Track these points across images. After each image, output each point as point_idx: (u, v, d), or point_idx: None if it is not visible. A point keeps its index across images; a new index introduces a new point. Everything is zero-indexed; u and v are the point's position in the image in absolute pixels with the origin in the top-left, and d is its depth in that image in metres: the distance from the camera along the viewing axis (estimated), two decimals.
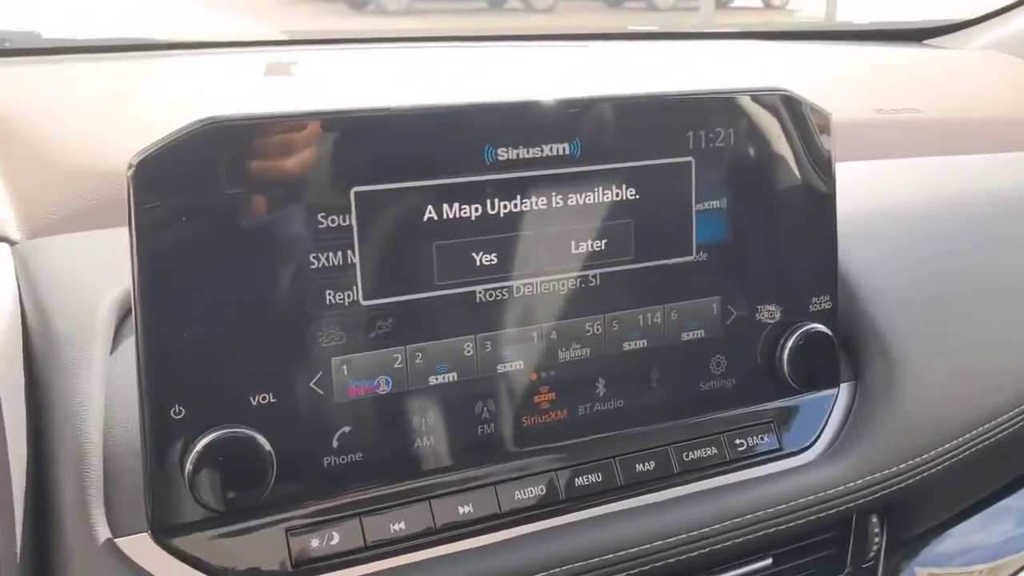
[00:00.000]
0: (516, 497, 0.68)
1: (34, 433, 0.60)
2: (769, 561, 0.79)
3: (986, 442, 0.84)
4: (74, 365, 0.62)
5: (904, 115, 1.20)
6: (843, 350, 0.81)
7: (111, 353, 0.65)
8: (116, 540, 0.58)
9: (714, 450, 0.74)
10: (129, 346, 0.64)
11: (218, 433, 0.58)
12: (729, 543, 0.72)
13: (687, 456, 0.73)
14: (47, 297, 0.66)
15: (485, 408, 0.67)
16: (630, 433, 0.72)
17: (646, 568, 0.69)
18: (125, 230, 0.56)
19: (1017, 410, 0.86)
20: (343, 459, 0.63)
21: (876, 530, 0.83)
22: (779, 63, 1.36)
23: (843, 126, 0.80)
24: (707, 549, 0.71)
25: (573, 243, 0.68)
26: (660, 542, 0.69)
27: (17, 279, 0.68)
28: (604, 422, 0.71)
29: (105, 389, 0.62)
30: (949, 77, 1.36)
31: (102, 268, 0.68)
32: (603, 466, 0.71)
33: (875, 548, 0.84)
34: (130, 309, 0.66)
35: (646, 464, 0.72)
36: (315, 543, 0.62)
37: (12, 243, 0.73)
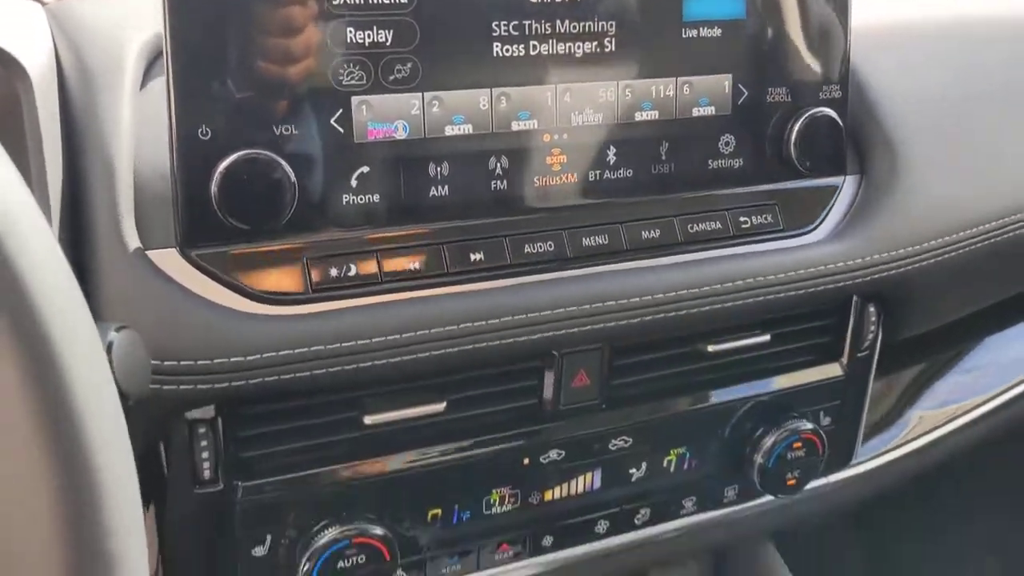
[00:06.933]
0: (525, 250, 0.71)
1: (69, 155, 0.63)
2: (767, 338, 0.82)
3: (984, 242, 0.86)
4: (104, 94, 0.64)
5: None
6: (851, 145, 0.83)
7: (140, 89, 0.67)
8: (146, 252, 0.61)
9: (718, 224, 0.77)
10: (158, 85, 0.66)
11: (244, 152, 0.60)
12: (729, 304, 0.75)
13: (691, 228, 0.76)
14: (80, 41, 0.68)
15: (499, 164, 0.69)
16: (637, 201, 0.74)
17: (648, 319, 0.73)
18: None
19: (1019, 215, 0.88)
20: (361, 199, 0.66)
21: (873, 319, 0.86)
22: None
23: None
24: (706, 308, 0.74)
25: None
26: (661, 295, 0.72)
27: (51, 30, 0.70)
28: (613, 188, 0.73)
29: (135, 121, 0.65)
30: None
31: (132, 19, 0.70)
32: (610, 230, 0.73)
33: (871, 337, 0.87)
34: (159, 52, 0.68)
35: (651, 232, 0.75)
36: (333, 271, 0.65)
37: (43, 3, 0.75)
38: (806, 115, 0.77)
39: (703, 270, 0.75)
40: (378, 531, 0.70)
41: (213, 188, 0.60)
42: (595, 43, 0.70)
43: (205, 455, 0.66)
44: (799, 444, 0.83)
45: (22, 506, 0.33)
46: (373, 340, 0.64)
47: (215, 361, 0.60)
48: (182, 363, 0.60)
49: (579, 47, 0.70)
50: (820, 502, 0.95)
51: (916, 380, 1.04)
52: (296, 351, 0.62)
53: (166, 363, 0.59)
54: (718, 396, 0.83)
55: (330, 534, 0.69)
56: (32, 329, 0.34)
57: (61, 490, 0.33)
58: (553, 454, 0.78)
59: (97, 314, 0.59)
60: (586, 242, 0.73)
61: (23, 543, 0.33)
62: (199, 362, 0.60)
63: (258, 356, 0.61)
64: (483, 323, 0.67)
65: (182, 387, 0.60)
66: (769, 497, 0.89)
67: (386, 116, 0.65)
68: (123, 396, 0.45)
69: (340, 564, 0.69)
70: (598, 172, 0.73)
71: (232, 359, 0.61)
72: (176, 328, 0.60)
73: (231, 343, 0.61)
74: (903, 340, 0.93)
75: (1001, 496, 1.31)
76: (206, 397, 0.62)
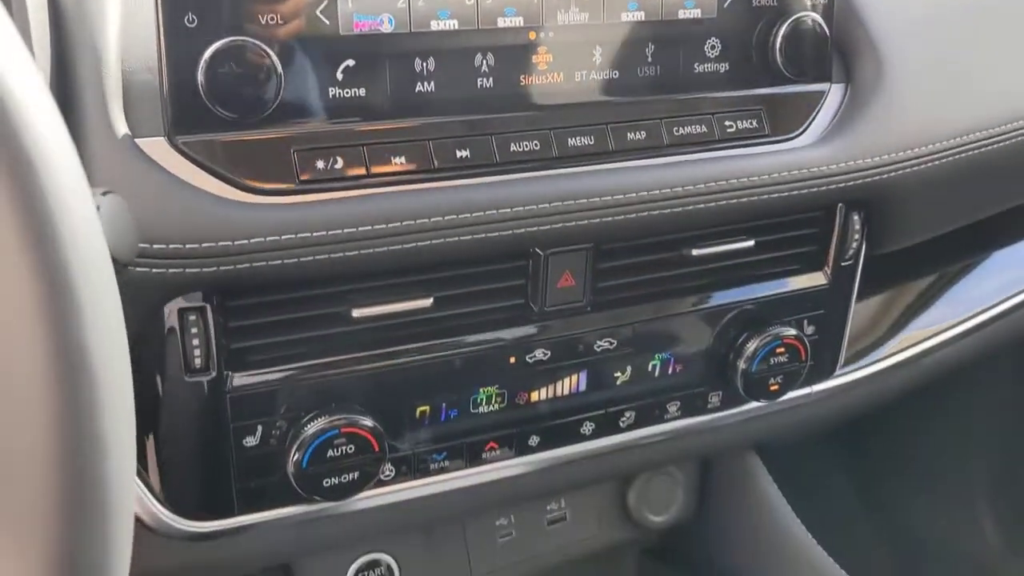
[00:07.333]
0: (511, 149, 0.71)
1: (57, 47, 0.63)
2: (751, 243, 0.83)
3: (969, 152, 0.87)
4: None
5: None
6: (837, 52, 0.83)
7: None
8: (135, 140, 0.62)
9: (703, 128, 0.77)
10: None
11: (229, 40, 0.61)
12: (713, 205, 0.76)
13: (677, 131, 0.77)
14: None
15: (484, 61, 0.70)
16: (623, 102, 0.75)
17: (632, 217, 0.73)
18: None
19: (1005, 126, 0.89)
20: (347, 92, 0.66)
21: (857, 228, 0.87)
22: None
23: None
24: (691, 207, 0.75)
25: None
26: (645, 193, 0.73)
27: None
28: (599, 89, 0.74)
29: (123, 12, 0.65)
30: None
31: None
32: (596, 131, 0.74)
33: (855, 247, 0.88)
34: None
35: (637, 133, 0.75)
36: (320, 163, 0.66)
37: None
38: (792, 20, 0.77)
39: (688, 170, 0.75)
40: (367, 422, 0.72)
41: (199, 76, 0.61)
42: None
43: (195, 343, 0.67)
44: (782, 349, 0.85)
45: (11, 335, 0.34)
46: (359, 229, 0.65)
47: (202, 245, 0.61)
48: (170, 246, 0.61)
49: None
50: (804, 412, 0.96)
51: (902, 297, 1.05)
52: (283, 237, 0.63)
53: (154, 246, 0.60)
54: (702, 301, 0.85)
55: (319, 424, 0.70)
56: (25, 178, 0.35)
57: (49, 319, 0.35)
58: (539, 354, 0.79)
59: None
60: (572, 142, 0.73)
61: (10, 371, 0.34)
62: (187, 246, 0.61)
63: (245, 241, 0.62)
64: (468, 215, 0.68)
65: (170, 270, 0.61)
66: (754, 404, 0.91)
67: (372, 8, 0.66)
68: (112, 259, 0.46)
69: (329, 453, 0.71)
70: (584, 72, 0.73)
71: (219, 243, 0.62)
72: (164, 212, 0.61)
73: (218, 228, 0.62)
74: (891, 256, 0.94)
75: (986, 414, 1.33)
76: (195, 282, 0.63)
